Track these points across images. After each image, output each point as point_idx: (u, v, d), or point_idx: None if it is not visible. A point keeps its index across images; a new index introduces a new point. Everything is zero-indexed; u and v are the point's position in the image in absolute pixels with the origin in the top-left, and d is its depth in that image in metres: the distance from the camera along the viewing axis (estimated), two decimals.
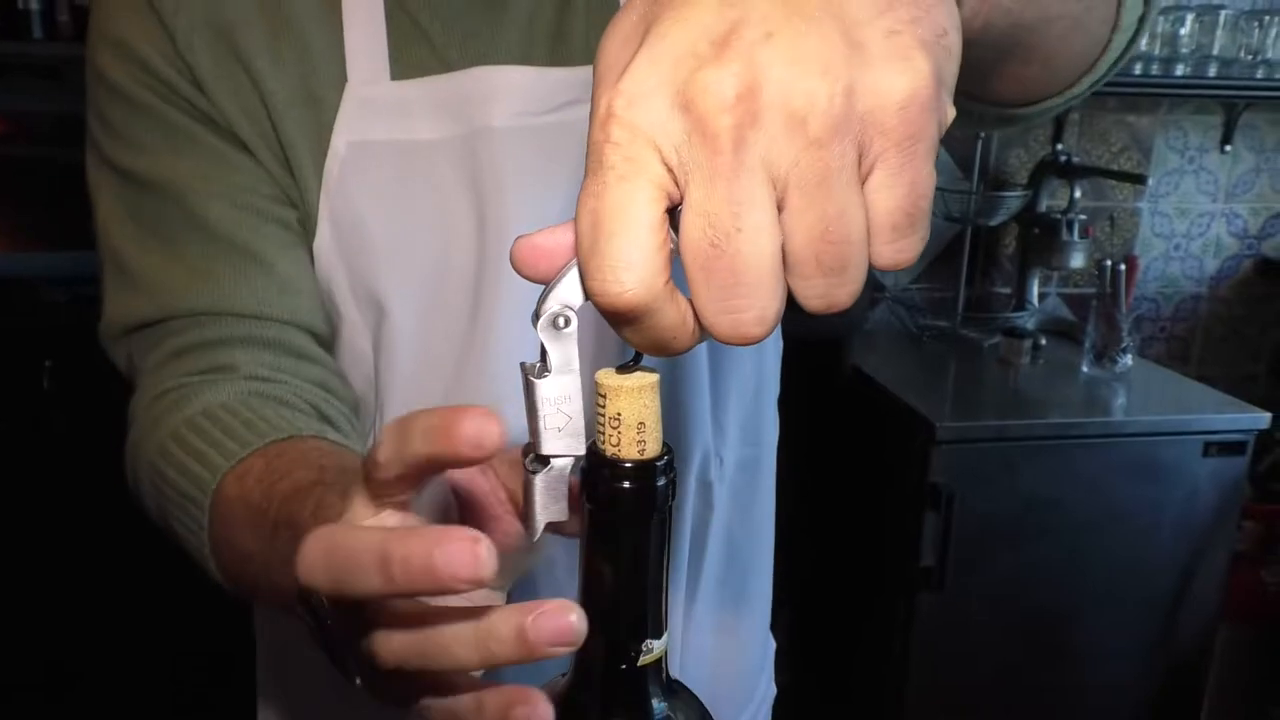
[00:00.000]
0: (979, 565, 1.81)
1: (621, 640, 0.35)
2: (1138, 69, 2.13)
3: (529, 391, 0.34)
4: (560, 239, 0.33)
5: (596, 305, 0.31)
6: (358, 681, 0.40)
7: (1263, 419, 1.85)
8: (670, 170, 0.29)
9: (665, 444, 0.35)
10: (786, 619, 2.22)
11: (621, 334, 0.32)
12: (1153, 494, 1.84)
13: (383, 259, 0.66)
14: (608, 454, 0.34)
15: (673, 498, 0.35)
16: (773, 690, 0.92)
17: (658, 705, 0.36)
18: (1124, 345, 1.97)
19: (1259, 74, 2.18)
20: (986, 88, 0.55)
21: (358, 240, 0.66)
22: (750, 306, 0.30)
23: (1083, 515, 1.82)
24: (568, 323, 0.33)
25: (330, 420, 0.64)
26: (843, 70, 0.28)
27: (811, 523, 2.19)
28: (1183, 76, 2.15)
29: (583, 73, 0.67)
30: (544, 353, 0.33)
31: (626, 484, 0.34)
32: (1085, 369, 2.02)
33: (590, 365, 0.35)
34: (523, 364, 0.34)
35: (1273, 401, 2.41)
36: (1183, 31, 2.11)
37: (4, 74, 1.72)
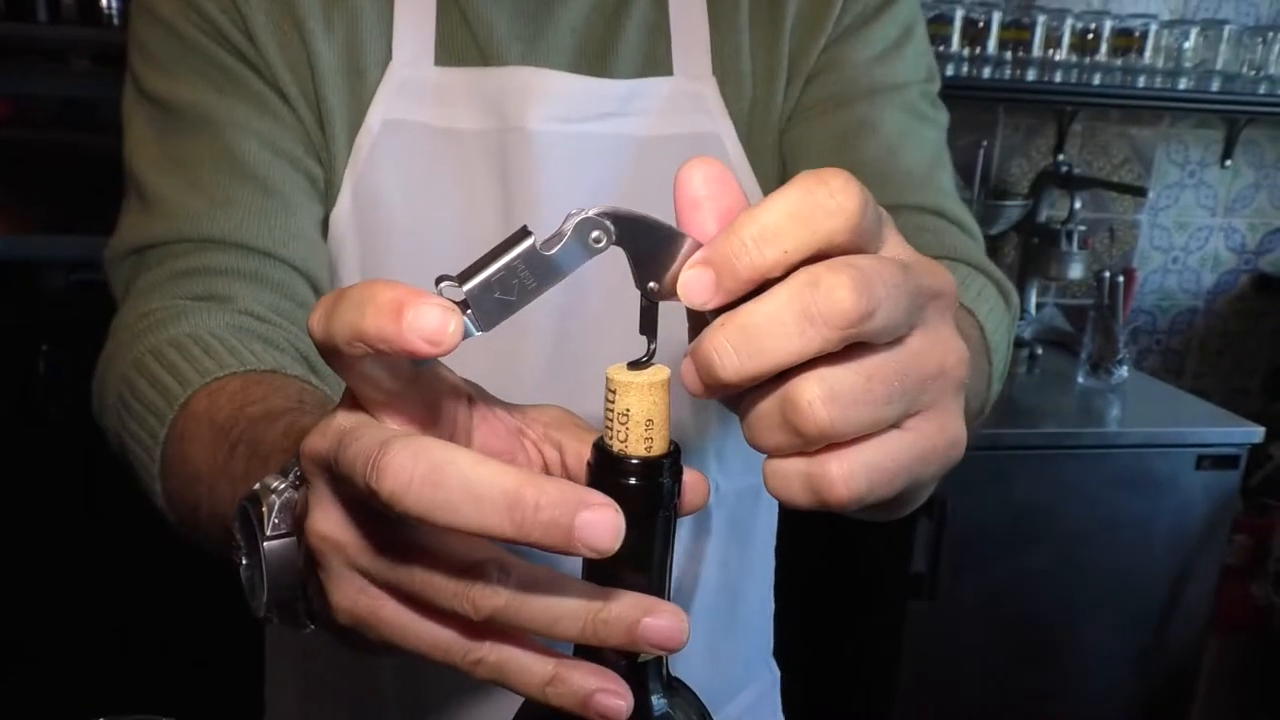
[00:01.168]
0: (971, 573, 1.82)
1: None
2: (1141, 81, 2.14)
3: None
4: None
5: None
6: (309, 626, 0.39)
7: (1256, 433, 1.86)
8: None
9: (673, 443, 0.35)
10: (781, 624, 2.23)
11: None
12: (1145, 505, 1.85)
13: (398, 240, 0.66)
14: (615, 450, 0.34)
15: (679, 496, 0.35)
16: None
17: (658, 702, 0.36)
18: (1120, 357, 1.98)
19: (1261, 89, 2.19)
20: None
21: (376, 218, 0.66)
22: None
23: (1075, 525, 1.83)
24: None
25: (317, 371, 0.61)
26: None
27: (807, 527, 2.19)
28: (1185, 90, 2.16)
29: (621, 86, 0.68)
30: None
31: (633, 480, 0.34)
32: (1081, 380, 2.02)
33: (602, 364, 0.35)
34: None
35: (1266, 416, 2.42)
36: (1186, 45, 2.12)
37: (7, 57, 1.72)
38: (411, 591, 0.33)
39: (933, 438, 0.33)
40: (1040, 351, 2.12)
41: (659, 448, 0.34)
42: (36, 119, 1.81)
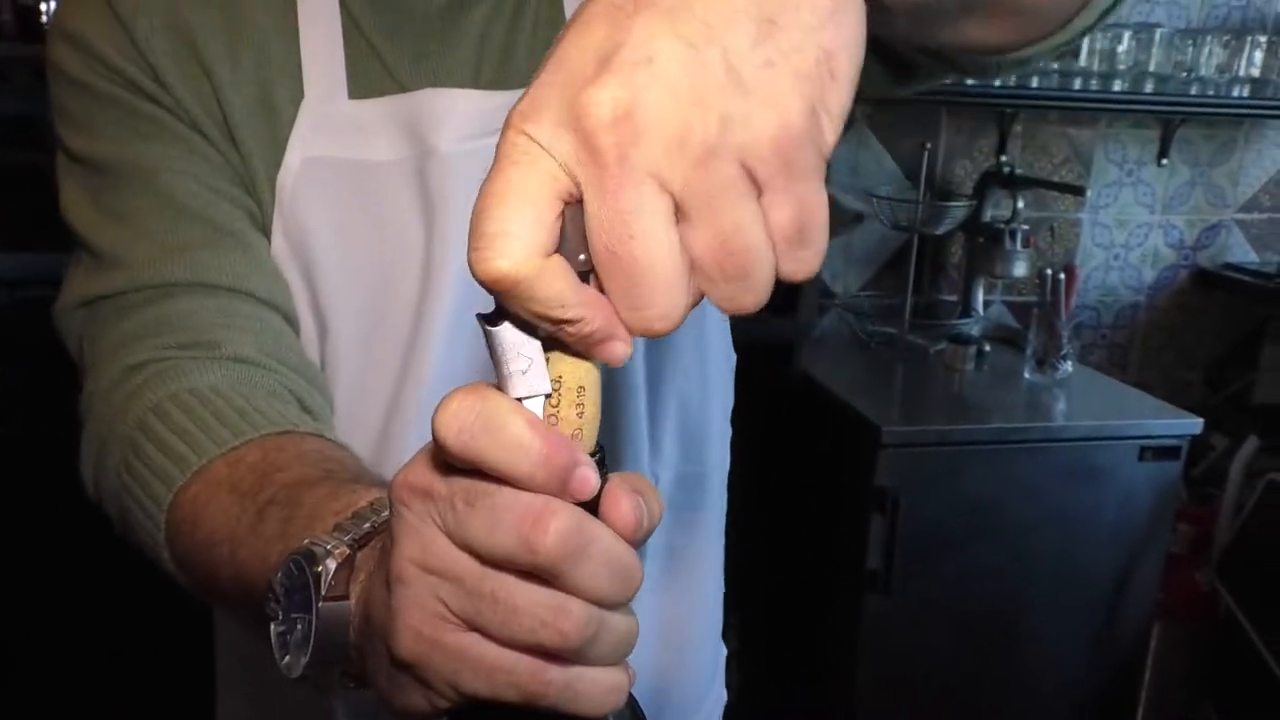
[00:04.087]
0: (925, 567, 1.85)
1: None
2: (1077, 84, 2.20)
3: (490, 340, 0.34)
4: None
5: (476, 277, 0.31)
6: (349, 687, 0.40)
7: (1195, 424, 1.91)
8: (569, 177, 0.31)
9: (599, 444, 0.37)
10: (739, 621, 2.25)
11: (513, 309, 0.32)
12: (1091, 496, 1.89)
13: (328, 274, 0.66)
14: (544, 416, 0.35)
15: (604, 487, 0.37)
16: (724, 697, 0.93)
17: None
18: (1064, 352, 2.03)
19: (1193, 90, 2.26)
20: (950, 39, 0.54)
21: (308, 253, 0.66)
22: (652, 304, 0.31)
23: (1024, 517, 1.87)
24: None
25: (311, 412, 0.63)
26: (716, 100, 0.30)
27: (763, 526, 2.21)
28: (1120, 92, 2.22)
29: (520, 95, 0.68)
30: (497, 302, 0.33)
31: None
32: (1027, 375, 2.07)
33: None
34: (478, 315, 0.34)
35: (1207, 408, 2.49)
36: (1120, 49, 2.18)
37: None
38: (493, 618, 0.34)
39: None
40: (988, 349, 2.16)
41: (590, 414, 0.36)
42: None
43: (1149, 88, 2.24)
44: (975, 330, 2.24)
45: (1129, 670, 2.05)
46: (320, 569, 0.40)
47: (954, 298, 2.40)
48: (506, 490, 0.33)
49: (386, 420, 0.69)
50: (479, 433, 0.32)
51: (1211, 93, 2.26)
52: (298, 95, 0.65)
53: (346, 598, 0.40)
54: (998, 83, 2.16)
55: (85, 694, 1.88)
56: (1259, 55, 2.26)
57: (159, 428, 0.56)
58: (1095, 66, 2.19)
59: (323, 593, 0.39)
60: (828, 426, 1.92)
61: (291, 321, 0.67)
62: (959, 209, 2.19)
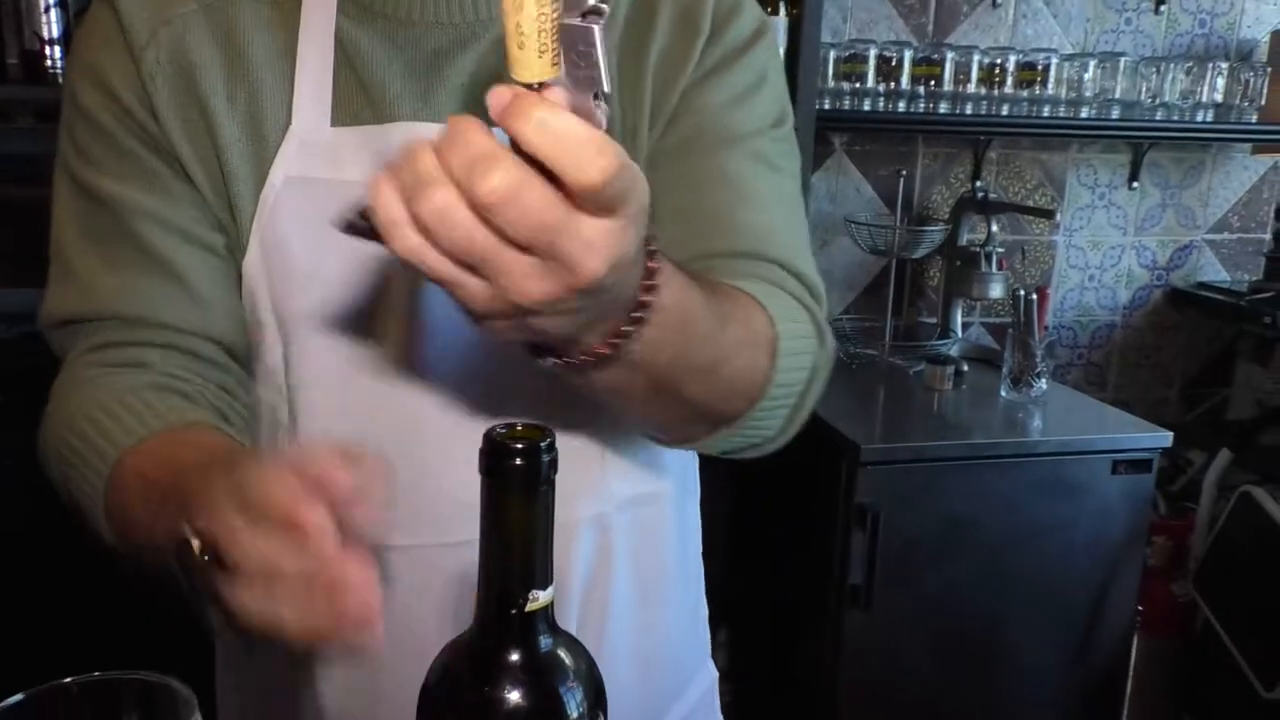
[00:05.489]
0: (905, 583, 1.90)
1: (511, 590, 0.42)
2: (1046, 111, 2.27)
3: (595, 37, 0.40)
4: None
5: None
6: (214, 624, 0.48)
7: (1165, 437, 1.97)
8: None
9: (550, 431, 0.42)
10: (725, 638, 2.29)
11: None
12: (1066, 510, 1.94)
13: (301, 280, 0.73)
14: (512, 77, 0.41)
15: (555, 471, 0.42)
16: (714, 673, 0.95)
17: (545, 642, 0.43)
18: (1038, 370, 2.09)
19: (1159, 116, 2.33)
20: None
21: (281, 262, 0.73)
22: None
23: (1001, 533, 1.92)
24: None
25: (227, 418, 0.73)
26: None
27: (749, 544, 2.26)
28: (1088, 119, 2.30)
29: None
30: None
31: (518, 460, 0.41)
32: (1003, 394, 2.13)
33: None
34: (591, 8, 0.40)
35: (1184, 424, 2.55)
36: (1086, 77, 2.26)
37: None
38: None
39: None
40: (966, 369, 2.22)
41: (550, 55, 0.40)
42: None
43: (1115, 114, 2.31)
44: (954, 351, 2.30)
45: (1111, 684, 2.09)
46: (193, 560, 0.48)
47: (934, 320, 2.47)
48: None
49: (355, 412, 0.75)
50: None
51: (1176, 118, 2.34)
52: (285, 123, 0.73)
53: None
54: (969, 109, 2.24)
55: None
56: (1220, 81, 2.34)
57: (83, 426, 0.67)
58: (1064, 94, 2.27)
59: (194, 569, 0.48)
60: (810, 446, 1.96)
61: (228, 346, 0.76)
62: (935, 233, 2.25)
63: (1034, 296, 2.07)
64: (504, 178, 0.40)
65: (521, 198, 0.40)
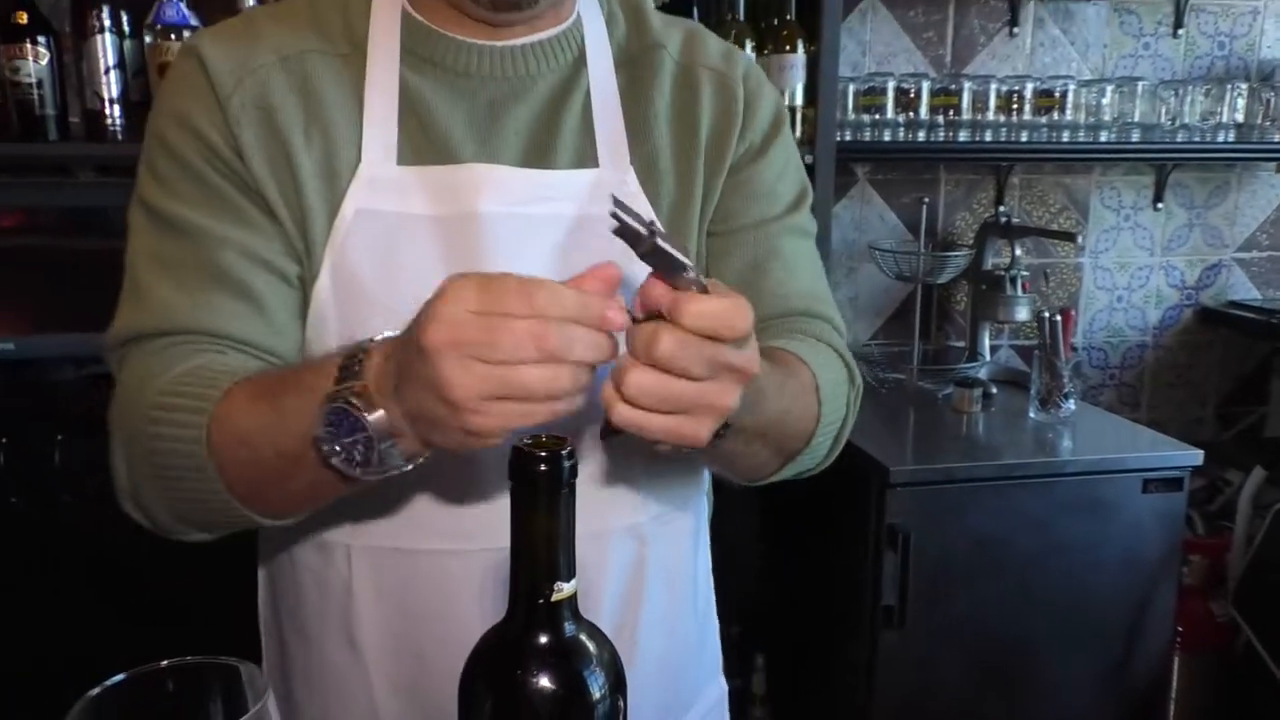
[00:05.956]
0: (937, 603, 1.92)
1: (538, 582, 0.48)
2: (1065, 136, 2.31)
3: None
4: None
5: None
6: (406, 464, 0.61)
7: (1195, 456, 1.97)
8: None
9: (569, 441, 0.48)
10: (763, 663, 2.32)
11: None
12: (1097, 530, 1.95)
13: (369, 305, 0.80)
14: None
15: (574, 476, 0.48)
16: (725, 687, 1.02)
17: (569, 628, 0.49)
18: (1066, 391, 2.11)
19: (1179, 137, 2.36)
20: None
21: (351, 289, 0.80)
22: None
23: (1032, 552, 1.94)
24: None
25: None
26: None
27: (781, 568, 2.29)
28: (1108, 142, 2.33)
29: (558, 176, 0.83)
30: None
31: (541, 467, 0.47)
32: (1032, 415, 2.15)
33: None
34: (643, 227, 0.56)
35: (1220, 443, 2.55)
36: (1104, 101, 2.30)
37: (20, 172, 1.87)
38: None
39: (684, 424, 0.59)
40: (995, 391, 2.25)
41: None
42: (45, 226, 1.95)
43: (1135, 137, 2.35)
44: (982, 373, 2.33)
45: (1149, 704, 2.08)
46: (355, 400, 0.59)
47: (962, 344, 2.50)
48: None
49: None
50: None
51: (1197, 139, 2.37)
52: (356, 161, 0.80)
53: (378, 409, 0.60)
54: (989, 136, 2.28)
55: None
56: (1241, 102, 2.36)
57: (190, 381, 0.72)
58: (1083, 120, 2.31)
59: (364, 413, 0.59)
60: (841, 469, 1.99)
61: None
62: (959, 258, 2.29)
63: (1058, 318, 2.09)
64: (669, 340, 0.56)
65: (689, 348, 0.56)
